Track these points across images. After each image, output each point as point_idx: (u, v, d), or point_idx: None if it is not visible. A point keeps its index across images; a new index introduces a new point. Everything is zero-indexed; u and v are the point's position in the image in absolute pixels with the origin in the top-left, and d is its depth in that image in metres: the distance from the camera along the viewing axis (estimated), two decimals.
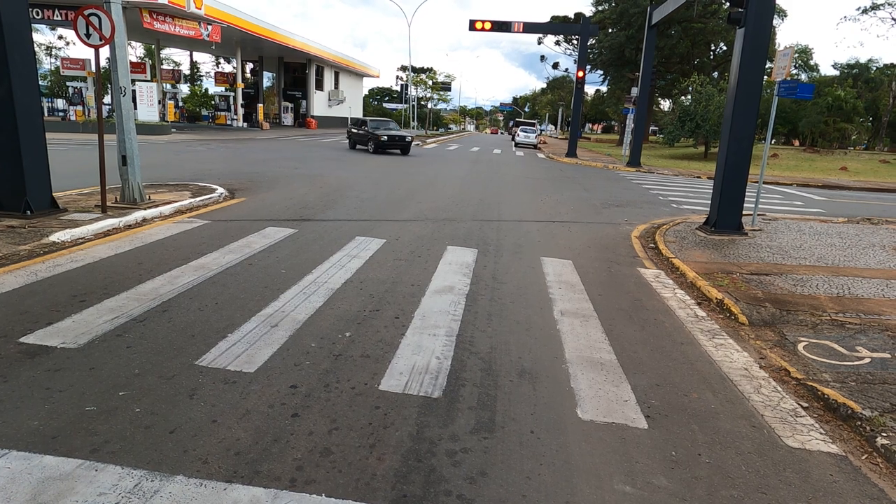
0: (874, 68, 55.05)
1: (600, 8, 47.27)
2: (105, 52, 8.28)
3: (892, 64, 53.03)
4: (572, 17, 52.31)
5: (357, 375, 3.81)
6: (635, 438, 3.30)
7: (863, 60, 56.31)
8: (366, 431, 3.16)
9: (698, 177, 22.54)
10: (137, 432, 3.01)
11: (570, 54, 57.59)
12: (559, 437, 3.27)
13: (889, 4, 47.80)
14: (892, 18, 48.78)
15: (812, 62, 57.74)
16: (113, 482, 2.61)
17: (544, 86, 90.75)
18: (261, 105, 42.99)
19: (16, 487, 2.54)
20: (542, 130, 64.58)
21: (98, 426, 3.04)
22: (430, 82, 63.08)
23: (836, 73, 56.43)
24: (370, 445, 3.03)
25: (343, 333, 4.48)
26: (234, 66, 44.14)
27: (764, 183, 11.64)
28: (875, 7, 48.31)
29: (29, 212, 7.42)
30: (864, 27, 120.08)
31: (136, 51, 57.49)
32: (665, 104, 56.56)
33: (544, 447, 3.15)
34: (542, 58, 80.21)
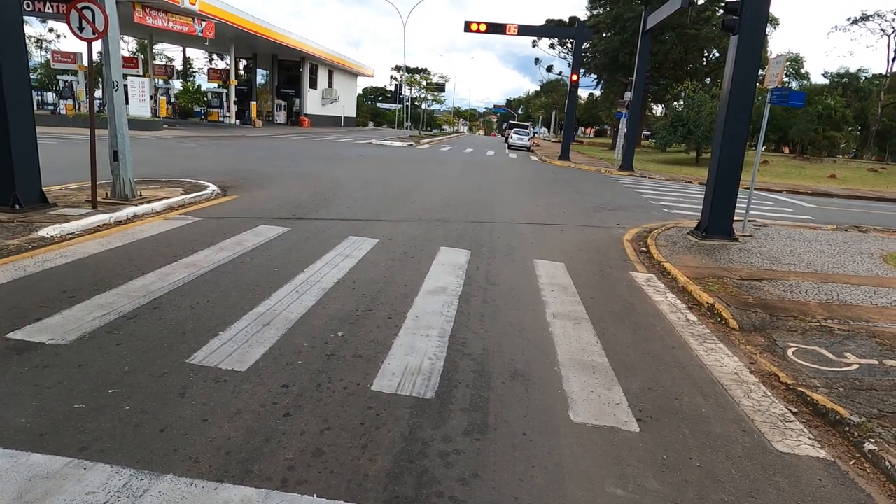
0: (863, 78, 55.72)
1: (595, 12, 47.46)
2: (97, 46, 8.20)
3: (880, 74, 53.71)
4: (567, 20, 52.51)
5: (349, 375, 3.79)
6: (627, 441, 3.32)
7: (852, 70, 57.05)
8: (358, 432, 3.15)
9: (690, 182, 22.70)
10: (127, 430, 2.98)
11: (565, 58, 57.86)
12: (551, 439, 3.27)
13: (878, 16, 48.51)
14: (881, 29, 49.39)
15: (803, 70, 58.38)
16: (102, 481, 2.58)
17: (538, 88, 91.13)
18: (254, 102, 42.77)
19: (2, 485, 2.50)
20: (535, 133, 64.81)
21: (87, 424, 3.01)
22: (424, 83, 63.16)
23: (827, 81, 57.07)
24: (362, 446, 3.02)
25: (335, 333, 4.46)
26: (228, 62, 43.97)
27: (755, 189, 11.74)
28: (865, 18, 49.04)
29: (18, 206, 7.33)
30: (854, 37, 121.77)
31: (128, 45, 57.04)
32: (658, 109, 57.02)
33: (536, 449, 3.16)
34: (537, 60, 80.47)
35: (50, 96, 38.10)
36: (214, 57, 60.87)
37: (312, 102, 51.07)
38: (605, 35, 44.93)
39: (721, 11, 38.77)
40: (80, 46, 43.94)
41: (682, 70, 45.71)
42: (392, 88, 79.41)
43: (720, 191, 9.53)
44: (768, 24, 34.89)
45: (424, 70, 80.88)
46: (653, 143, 41.44)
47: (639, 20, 24.96)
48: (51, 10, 27.38)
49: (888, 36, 48.63)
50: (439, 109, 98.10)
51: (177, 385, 3.47)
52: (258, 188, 11.52)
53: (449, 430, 3.26)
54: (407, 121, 59.68)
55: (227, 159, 16.74)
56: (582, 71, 41.36)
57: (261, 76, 53.27)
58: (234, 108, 40.41)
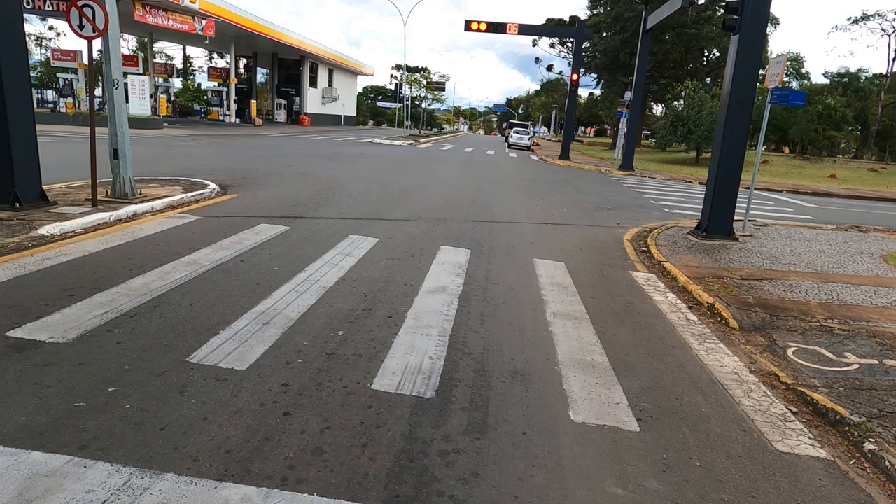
0: (863, 78, 55.74)
1: (595, 12, 47.45)
2: (97, 44, 8.20)
3: (881, 74, 53.70)
4: (567, 20, 52.51)
5: (349, 374, 3.79)
6: (627, 441, 3.32)
7: (853, 70, 57.06)
8: (358, 431, 3.15)
9: (690, 181, 22.70)
10: (127, 429, 2.98)
11: (565, 57, 57.87)
12: (551, 438, 3.27)
13: (879, 15, 48.48)
14: (882, 29, 49.33)
15: (803, 70, 58.40)
16: (102, 479, 2.58)
17: (538, 88, 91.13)
18: (254, 101, 42.76)
19: (2, 483, 2.50)
20: (535, 132, 64.80)
21: (87, 422, 3.01)
22: (424, 82, 63.14)
23: (827, 81, 57.08)
24: (362, 445, 3.02)
25: (336, 332, 4.46)
26: (228, 61, 43.93)
27: (755, 189, 11.77)
28: (865, 18, 48.98)
29: (18, 204, 7.32)
30: (855, 37, 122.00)
31: (128, 44, 57.00)
32: (658, 109, 57.09)
33: (536, 449, 3.16)
34: (537, 60, 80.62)
35: (50, 94, 38.09)
36: (214, 55, 60.86)
37: (312, 101, 51.04)
38: (605, 34, 44.92)
39: (721, 11, 38.78)
40: (80, 44, 43.90)
41: (682, 70, 45.71)
42: (392, 87, 79.41)
43: (720, 190, 9.53)
44: (769, 24, 34.92)
45: (425, 69, 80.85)
46: (653, 142, 41.44)
47: (639, 20, 24.94)
48: (51, 8, 27.35)
49: (888, 36, 48.58)
50: (439, 108, 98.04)
51: (177, 384, 3.47)
52: (258, 187, 11.51)
53: (449, 429, 3.26)
54: (407, 120, 59.69)
55: (227, 158, 16.73)
56: (582, 70, 41.34)
57: (261, 75, 53.27)
58: (234, 106, 40.41)
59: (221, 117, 41.03)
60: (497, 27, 28.73)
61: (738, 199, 9.83)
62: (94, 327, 4.15)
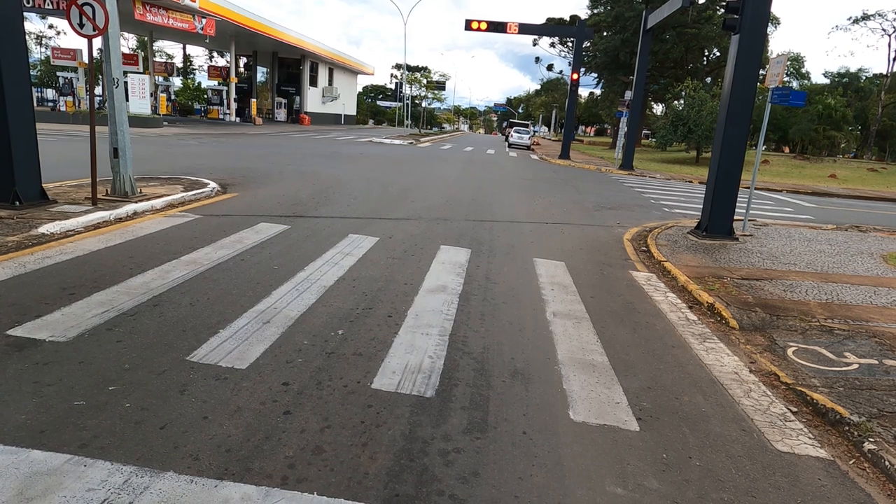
0: (864, 78, 55.71)
1: (596, 11, 47.41)
2: (97, 42, 8.19)
3: (881, 74, 53.66)
4: (567, 19, 52.48)
5: (349, 373, 3.79)
6: (627, 440, 3.32)
7: (853, 70, 57.03)
8: (358, 430, 3.15)
9: (690, 181, 22.69)
10: (127, 427, 2.98)
11: (565, 56, 57.85)
12: (551, 438, 3.27)
13: (879, 15, 48.46)
14: (882, 29, 49.29)
15: (804, 70, 58.39)
16: (102, 478, 2.58)
17: (538, 87, 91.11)
18: (254, 100, 42.75)
19: (2, 482, 2.50)
20: (535, 132, 64.79)
21: (87, 421, 3.01)
22: (424, 81, 63.16)
23: (827, 81, 57.06)
24: (362, 444, 3.02)
25: (336, 331, 4.46)
26: (228, 60, 43.91)
27: (755, 189, 11.76)
28: (865, 17, 48.95)
29: (18, 203, 7.32)
30: (855, 37, 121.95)
31: (128, 42, 56.97)
32: (658, 108, 57.03)
33: (536, 448, 3.16)
34: (537, 59, 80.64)
35: (50, 93, 38.09)
36: (215, 54, 60.83)
37: (312, 100, 51.04)
38: (605, 34, 44.88)
39: (722, 10, 38.77)
40: (80, 43, 43.91)
41: (682, 69, 45.68)
42: (392, 87, 79.39)
43: (720, 190, 9.53)
44: (769, 24, 34.83)
45: (425, 68, 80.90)
46: (653, 142, 41.42)
47: (639, 19, 24.94)
48: (51, 7, 27.33)
49: (889, 35, 48.53)
50: (440, 108, 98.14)
51: (177, 382, 3.47)
52: (258, 186, 11.51)
53: (449, 428, 3.26)
54: (407, 119, 59.70)
55: (227, 157, 16.72)
56: (582, 70, 41.30)
57: (261, 74, 53.24)
58: (234, 105, 40.41)
59: (221, 116, 41.05)
60: (497, 26, 28.72)
61: (739, 199, 9.83)
62: (94, 326, 4.15)
